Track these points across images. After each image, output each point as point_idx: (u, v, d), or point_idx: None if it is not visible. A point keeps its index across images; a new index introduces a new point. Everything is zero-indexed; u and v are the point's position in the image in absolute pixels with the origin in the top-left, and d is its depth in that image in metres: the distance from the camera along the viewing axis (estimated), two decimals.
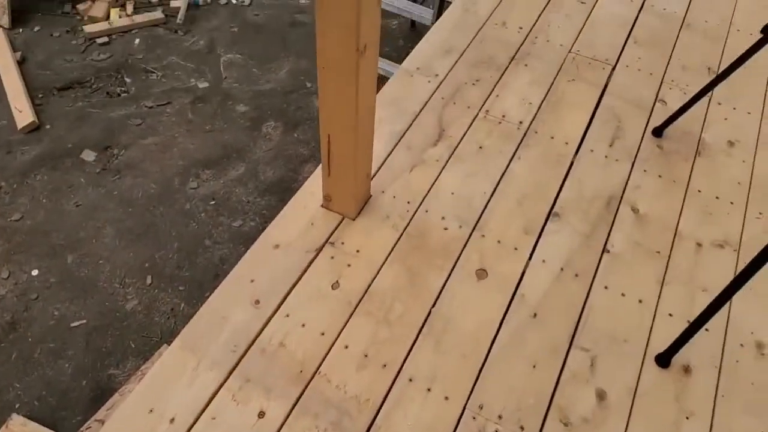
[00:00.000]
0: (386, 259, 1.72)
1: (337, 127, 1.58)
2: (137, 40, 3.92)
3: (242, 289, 1.63)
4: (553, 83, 2.27)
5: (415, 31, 4.19)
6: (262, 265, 1.68)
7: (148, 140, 3.36)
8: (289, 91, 3.74)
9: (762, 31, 1.65)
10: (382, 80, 2.58)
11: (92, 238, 2.89)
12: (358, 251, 1.73)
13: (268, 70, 3.87)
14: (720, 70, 2.35)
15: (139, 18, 3.97)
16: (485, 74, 2.28)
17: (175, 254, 2.88)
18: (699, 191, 1.98)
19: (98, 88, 3.62)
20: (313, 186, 1.86)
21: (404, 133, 2.07)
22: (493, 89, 2.24)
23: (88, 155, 3.22)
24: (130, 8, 4.01)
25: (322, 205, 1.83)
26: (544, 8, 2.59)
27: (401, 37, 4.20)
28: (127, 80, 3.68)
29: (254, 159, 3.34)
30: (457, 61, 2.32)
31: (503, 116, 2.15)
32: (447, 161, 2.00)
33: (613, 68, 2.36)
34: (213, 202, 3.12)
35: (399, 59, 3.50)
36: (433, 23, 3.28)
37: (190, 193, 3.14)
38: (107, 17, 3.92)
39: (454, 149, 2.04)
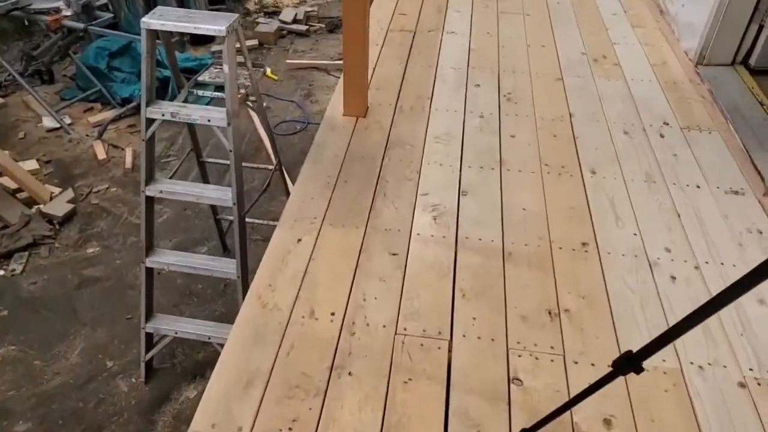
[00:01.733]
0: None
1: None
2: None
3: None
4: (387, 394, 1.70)
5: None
6: None
7: None
8: (85, 380, 2.86)
9: (611, 366, 1.24)
10: None
11: None
12: None
13: (55, 357, 2.96)
14: (563, 318, 1.97)
15: None
16: (302, 408, 1.66)
17: None
18: None
19: None
20: None
21: None
22: (317, 428, 1.63)
23: None
24: None
25: None
26: (355, 273, 2.09)
27: (216, 295, 3.38)
28: None
29: None
30: (263, 397, 1.69)
31: None
32: None
33: (450, 343, 1.86)
34: None
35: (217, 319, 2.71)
36: (239, 276, 2.67)
37: None
38: None
39: None
